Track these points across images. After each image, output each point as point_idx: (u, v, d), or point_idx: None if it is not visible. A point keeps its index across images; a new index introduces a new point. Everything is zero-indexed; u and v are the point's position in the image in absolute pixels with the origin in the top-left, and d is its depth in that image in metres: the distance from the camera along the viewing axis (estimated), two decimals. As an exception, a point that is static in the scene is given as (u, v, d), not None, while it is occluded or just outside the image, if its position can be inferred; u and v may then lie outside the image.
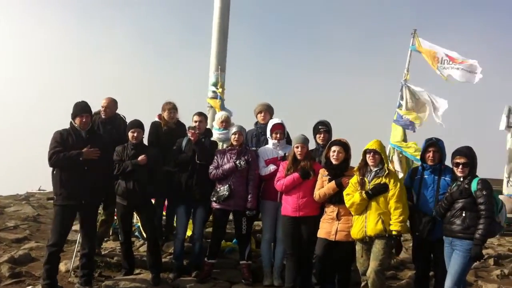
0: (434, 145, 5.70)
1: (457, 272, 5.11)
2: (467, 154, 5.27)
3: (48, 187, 15.46)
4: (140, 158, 6.35)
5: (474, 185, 5.10)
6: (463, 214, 5.12)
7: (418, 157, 8.51)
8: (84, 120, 6.08)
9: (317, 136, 6.78)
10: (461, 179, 5.25)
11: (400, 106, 11.01)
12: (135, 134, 6.50)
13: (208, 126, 7.55)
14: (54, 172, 6.03)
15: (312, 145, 6.71)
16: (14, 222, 9.96)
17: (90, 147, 5.98)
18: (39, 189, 17.01)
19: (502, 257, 9.54)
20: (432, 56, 11.04)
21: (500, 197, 13.78)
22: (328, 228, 5.88)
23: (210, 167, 6.65)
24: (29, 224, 10.09)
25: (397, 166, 10.15)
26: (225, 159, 6.65)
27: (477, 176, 5.23)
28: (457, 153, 5.33)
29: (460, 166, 5.23)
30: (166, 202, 7.55)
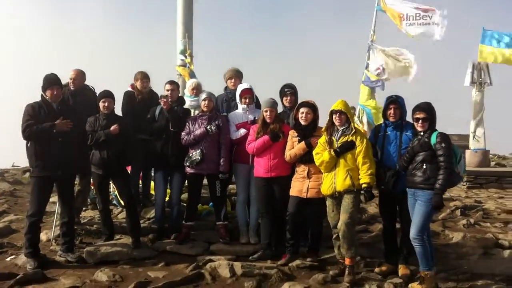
0: (395, 102, 5.86)
1: (420, 221, 5.34)
2: (426, 109, 5.44)
3: (22, 163, 15.47)
4: (112, 128, 6.44)
5: (433, 139, 5.29)
6: (424, 166, 5.33)
7: (375, 116, 8.85)
8: (55, 92, 6.10)
9: (284, 98, 6.91)
10: (421, 134, 5.44)
11: (367, 67, 11.23)
12: (106, 104, 6.56)
13: (179, 94, 7.67)
14: (29, 145, 6.07)
15: (279, 108, 6.85)
16: (-8, 197, 10.05)
17: (63, 119, 6.02)
18: (13, 166, 16.93)
19: (469, 208, 10.02)
20: (397, 15, 11.23)
21: (466, 151, 14.31)
22: (299, 186, 6.12)
23: (182, 133, 6.79)
24: (6, 198, 10.19)
25: (366, 127, 10.43)
26: (196, 125, 6.79)
27: (436, 130, 5.41)
28: (417, 108, 5.50)
29: (420, 121, 5.41)
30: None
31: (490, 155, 17.30)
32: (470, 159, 14.84)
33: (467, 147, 15.16)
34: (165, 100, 6.89)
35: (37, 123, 5.94)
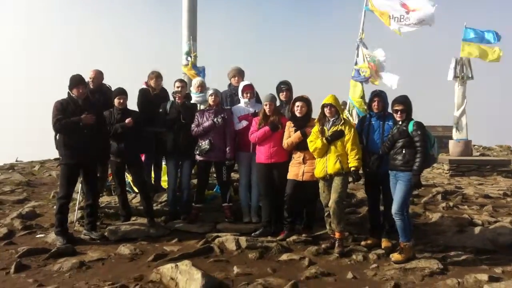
0: (378, 95, 6.69)
1: (401, 198, 6.11)
2: (403, 102, 6.22)
3: (25, 158, 16.23)
4: (127, 121, 7.21)
5: (410, 127, 6.08)
6: (403, 151, 6.11)
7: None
8: (81, 90, 6.85)
9: (280, 94, 7.65)
10: (400, 123, 6.23)
11: (356, 63, 11.98)
12: (121, 101, 7.36)
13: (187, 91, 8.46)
14: (57, 136, 6.84)
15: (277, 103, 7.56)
16: (10, 187, 10.78)
17: (87, 114, 6.77)
18: (16, 160, 17.60)
19: (449, 193, 10.80)
20: (385, 15, 11.94)
21: (450, 142, 15.06)
22: (296, 170, 6.91)
23: (192, 125, 7.58)
24: (24, 188, 10.91)
25: (356, 119, 11.18)
26: (204, 118, 7.58)
27: (412, 119, 6.20)
28: (395, 101, 6.29)
29: (399, 112, 6.19)
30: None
31: (476, 146, 18.03)
32: (453, 148, 15.65)
33: (451, 138, 15.97)
34: (179, 95, 7.72)
35: (65, 118, 6.67)
